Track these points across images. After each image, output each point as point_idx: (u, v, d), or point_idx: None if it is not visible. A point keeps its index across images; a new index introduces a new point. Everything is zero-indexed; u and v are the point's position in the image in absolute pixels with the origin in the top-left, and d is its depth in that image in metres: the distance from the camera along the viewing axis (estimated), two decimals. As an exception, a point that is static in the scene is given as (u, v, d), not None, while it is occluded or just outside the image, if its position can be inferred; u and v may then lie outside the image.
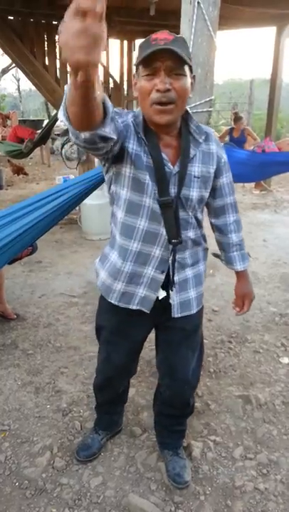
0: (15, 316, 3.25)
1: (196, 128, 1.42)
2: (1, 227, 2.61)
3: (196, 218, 1.50)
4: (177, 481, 1.83)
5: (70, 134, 1.11)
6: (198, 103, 2.01)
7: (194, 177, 1.42)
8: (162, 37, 1.23)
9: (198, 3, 1.87)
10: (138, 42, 9.23)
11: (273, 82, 7.60)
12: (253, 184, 8.04)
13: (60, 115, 1.08)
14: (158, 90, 1.24)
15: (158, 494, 1.81)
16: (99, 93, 0.93)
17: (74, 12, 0.70)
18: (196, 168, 1.42)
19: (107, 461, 1.98)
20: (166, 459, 1.92)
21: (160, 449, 1.98)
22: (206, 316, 3.24)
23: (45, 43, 7.06)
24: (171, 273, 1.50)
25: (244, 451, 2.04)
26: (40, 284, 3.90)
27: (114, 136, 1.17)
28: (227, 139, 7.84)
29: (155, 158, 1.36)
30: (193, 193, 1.42)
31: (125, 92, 7.86)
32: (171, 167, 1.39)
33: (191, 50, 1.90)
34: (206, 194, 1.49)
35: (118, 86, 7.47)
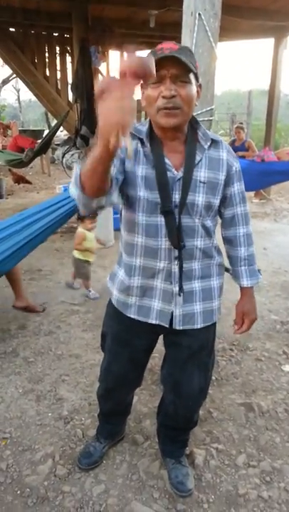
0: (42, 309, 3.46)
1: (202, 135, 1.42)
2: (6, 237, 2.71)
3: (204, 226, 1.46)
4: (180, 489, 1.82)
5: (81, 206, 1.26)
6: (199, 112, 2.04)
7: (200, 182, 1.41)
8: (168, 46, 1.27)
9: (199, 14, 1.91)
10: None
11: (272, 92, 7.70)
12: (252, 193, 8.09)
13: (73, 190, 1.24)
14: (164, 97, 1.27)
15: (161, 502, 1.80)
16: None
17: (118, 91, 0.95)
18: (202, 173, 1.41)
19: (109, 468, 1.97)
20: (169, 467, 1.90)
21: (162, 457, 1.97)
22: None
23: (46, 54, 7.14)
24: (171, 282, 1.49)
25: (247, 458, 2.03)
26: (41, 292, 3.90)
27: (117, 200, 1.34)
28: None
29: (157, 163, 1.38)
30: (199, 198, 1.41)
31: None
32: (175, 172, 1.39)
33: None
34: (215, 201, 1.46)
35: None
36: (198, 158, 1.41)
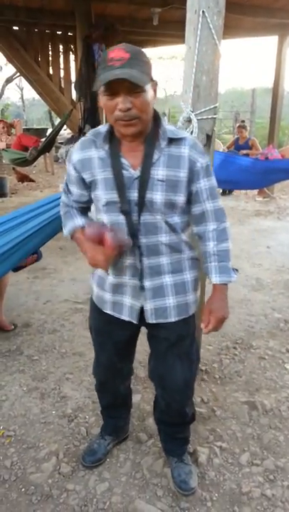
0: (12, 327, 3.18)
1: (162, 133, 1.43)
2: (2, 233, 2.59)
3: (168, 223, 1.47)
4: (183, 487, 1.82)
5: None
6: (202, 110, 2.03)
7: (158, 180, 1.42)
8: (118, 56, 1.25)
9: (203, 12, 1.90)
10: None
11: (275, 90, 7.66)
12: (256, 191, 8.07)
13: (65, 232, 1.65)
14: (120, 110, 1.30)
15: (164, 500, 1.80)
16: None
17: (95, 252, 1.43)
18: (159, 172, 1.42)
19: (113, 467, 1.97)
20: (172, 466, 1.91)
21: (166, 456, 1.97)
22: (210, 323, 3.24)
23: (50, 52, 7.13)
24: (139, 278, 1.53)
25: (251, 457, 2.03)
26: (45, 291, 3.91)
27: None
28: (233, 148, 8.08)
29: (114, 164, 1.43)
30: (158, 196, 1.42)
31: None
32: (133, 171, 1.42)
33: (196, 58, 1.94)
34: (178, 198, 1.45)
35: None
36: (156, 156, 1.42)
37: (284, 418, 2.29)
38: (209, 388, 2.52)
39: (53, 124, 17.36)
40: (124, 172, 1.42)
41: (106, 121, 1.50)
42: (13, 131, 8.78)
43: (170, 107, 20.18)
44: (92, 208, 1.64)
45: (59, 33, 7.07)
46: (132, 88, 1.27)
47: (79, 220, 1.59)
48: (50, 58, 7.13)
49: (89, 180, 1.50)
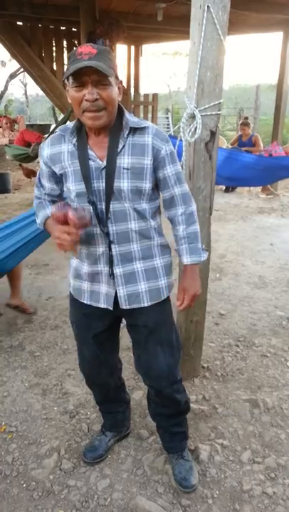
0: (32, 310, 3.37)
1: (125, 123, 1.49)
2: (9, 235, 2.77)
3: (136, 210, 1.52)
4: (184, 485, 1.82)
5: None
6: (207, 106, 2.02)
7: (124, 168, 1.47)
8: (87, 51, 1.34)
9: (208, 7, 1.88)
10: (145, 47, 9.30)
11: (280, 87, 7.62)
12: (259, 188, 8.04)
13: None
14: (87, 100, 1.37)
15: (165, 497, 1.81)
16: None
17: (62, 231, 1.44)
18: (125, 160, 1.48)
19: (114, 463, 1.97)
20: (172, 463, 1.91)
21: (167, 454, 1.97)
22: (213, 320, 3.24)
23: (54, 48, 7.10)
24: (109, 265, 1.56)
25: (252, 454, 2.03)
26: (47, 287, 3.91)
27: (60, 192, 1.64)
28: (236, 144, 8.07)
29: (80, 156, 1.49)
30: (124, 184, 1.47)
31: (132, 97, 7.89)
32: (100, 162, 1.48)
33: (200, 54, 1.93)
34: (144, 185, 1.51)
35: (125, 91, 7.51)
36: (120, 146, 1.48)
37: (286, 416, 2.28)
38: (211, 386, 2.52)
39: (56, 120, 17.36)
40: (91, 163, 1.48)
41: None
42: (16, 126, 8.78)
43: (174, 103, 20.12)
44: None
45: (63, 28, 7.04)
46: (98, 80, 1.36)
47: (50, 210, 1.61)
48: (54, 54, 7.10)
49: (60, 172, 1.55)
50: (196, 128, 2.03)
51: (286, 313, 3.47)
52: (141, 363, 1.76)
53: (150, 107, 7.93)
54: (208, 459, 1.98)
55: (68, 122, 1.59)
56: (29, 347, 2.91)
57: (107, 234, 1.53)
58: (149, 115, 7.90)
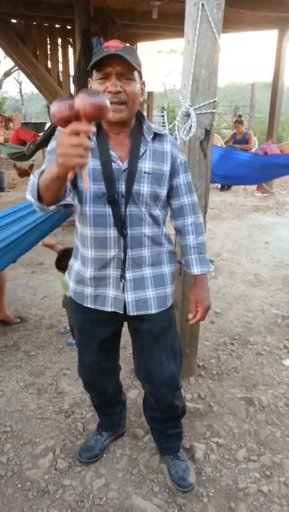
0: (18, 320, 3.24)
1: (146, 128, 1.50)
2: (4, 227, 2.58)
3: (152, 215, 1.52)
4: (182, 484, 1.82)
5: (38, 209, 1.35)
6: (201, 104, 2.01)
7: (144, 173, 1.46)
8: (114, 45, 1.34)
9: (202, 5, 1.87)
10: (141, 45, 9.26)
11: (275, 85, 7.63)
12: (254, 186, 8.05)
13: (29, 198, 1.32)
14: (109, 92, 1.35)
15: (161, 496, 1.80)
16: None
17: (71, 132, 0.97)
18: (146, 165, 1.47)
19: (109, 462, 1.97)
20: (168, 464, 1.90)
21: (160, 455, 1.97)
22: (208, 318, 3.24)
23: (48, 45, 7.06)
24: (122, 270, 1.53)
25: (247, 453, 2.03)
26: (42, 286, 3.90)
27: (72, 200, 1.44)
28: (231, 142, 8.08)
29: (103, 156, 1.44)
30: (144, 188, 1.46)
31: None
32: (121, 164, 1.45)
33: (195, 52, 1.92)
34: (161, 191, 1.51)
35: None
36: (142, 150, 1.47)
37: (281, 414, 2.29)
38: (206, 384, 2.52)
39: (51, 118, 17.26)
40: (112, 164, 1.44)
41: None
42: (11, 125, 8.72)
43: (169, 101, 20.07)
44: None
45: (57, 26, 7.00)
46: (122, 73, 1.35)
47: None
48: (49, 52, 7.06)
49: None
50: (190, 126, 2.02)
51: (281, 311, 3.48)
52: (144, 370, 1.73)
53: (145, 105, 7.90)
54: (204, 458, 1.99)
55: None
56: (24, 346, 2.90)
57: (124, 237, 1.49)
58: (145, 113, 7.89)
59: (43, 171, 1.43)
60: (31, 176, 1.41)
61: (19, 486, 1.84)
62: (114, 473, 1.91)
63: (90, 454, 1.96)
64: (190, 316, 1.69)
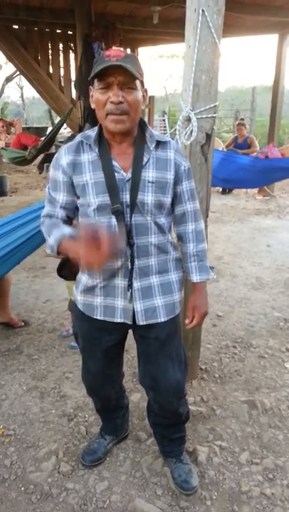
0: (22, 323, 3.24)
1: (149, 136, 1.49)
2: (6, 233, 2.62)
3: (157, 224, 1.51)
4: (185, 487, 1.82)
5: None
6: (202, 109, 2.02)
7: (148, 182, 1.46)
8: (115, 54, 1.34)
9: (202, 10, 1.89)
10: (141, 50, 9.32)
11: (275, 89, 7.65)
12: (256, 190, 8.06)
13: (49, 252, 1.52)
14: (112, 102, 1.36)
15: (164, 499, 1.81)
16: None
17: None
18: (150, 174, 1.47)
19: (112, 466, 1.97)
20: (171, 467, 1.91)
21: (164, 458, 1.97)
22: (210, 321, 3.24)
23: (49, 51, 7.11)
24: (129, 279, 1.53)
25: (250, 456, 2.03)
26: (45, 290, 3.91)
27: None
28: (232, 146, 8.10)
29: (106, 167, 1.44)
30: (148, 197, 1.46)
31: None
32: (124, 174, 1.45)
33: (195, 57, 1.94)
34: (166, 199, 1.51)
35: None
36: (145, 159, 1.47)
37: (284, 417, 2.29)
38: (209, 387, 2.52)
39: (52, 123, 17.35)
40: (116, 175, 1.44)
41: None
42: (12, 129, 8.76)
43: (170, 105, 20.13)
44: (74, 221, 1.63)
45: (59, 31, 7.06)
46: (124, 83, 1.35)
47: (67, 229, 1.48)
48: (50, 57, 7.11)
49: (79, 183, 1.47)
50: (191, 131, 2.04)
51: (283, 314, 3.48)
52: (150, 377, 1.71)
53: (146, 110, 7.94)
54: (207, 461, 1.99)
55: (88, 130, 1.52)
56: (27, 350, 2.91)
57: (130, 247, 1.49)
58: (146, 118, 7.92)
59: (48, 215, 1.58)
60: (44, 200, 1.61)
61: (22, 489, 1.85)
62: (118, 477, 1.91)
63: (93, 458, 1.96)
64: (187, 321, 1.70)
